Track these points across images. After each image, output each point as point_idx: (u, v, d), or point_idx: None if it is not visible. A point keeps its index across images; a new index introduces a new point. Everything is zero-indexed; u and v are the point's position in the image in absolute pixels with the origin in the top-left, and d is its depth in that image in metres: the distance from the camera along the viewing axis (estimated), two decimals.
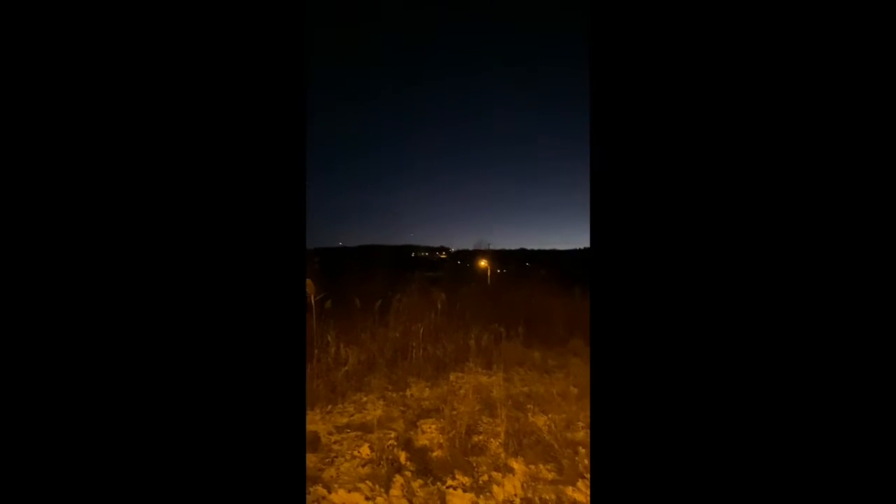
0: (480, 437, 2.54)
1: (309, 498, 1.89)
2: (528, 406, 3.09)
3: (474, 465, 2.21)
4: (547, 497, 1.94)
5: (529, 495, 1.96)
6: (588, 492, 1.99)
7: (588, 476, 2.13)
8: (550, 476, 2.13)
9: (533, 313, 6.07)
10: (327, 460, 2.23)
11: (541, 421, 2.80)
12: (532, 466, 2.21)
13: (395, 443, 2.44)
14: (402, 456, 2.28)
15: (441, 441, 2.47)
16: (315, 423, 2.73)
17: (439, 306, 5.28)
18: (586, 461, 2.28)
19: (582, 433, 2.64)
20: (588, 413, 2.98)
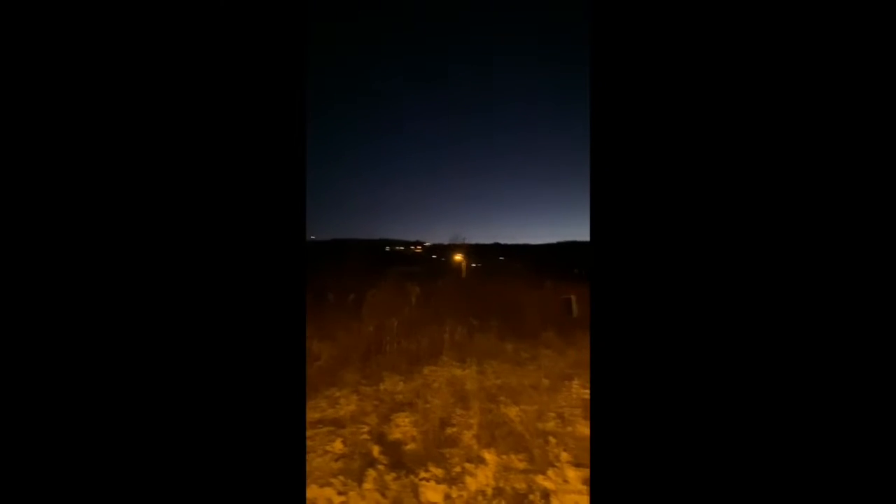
0: (454, 430, 2.57)
1: None
2: (501, 398, 3.13)
3: (447, 456, 2.24)
4: (518, 486, 1.98)
5: (501, 485, 1.99)
6: (557, 479, 2.05)
7: (557, 464, 2.19)
8: (522, 466, 2.17)
9: (506, 306, 6.14)
10: None
11: (513, 412, 2.85)
12: (504, 457, 2.25)
13: (369, 437, 2.44)
14: (376, 450, 2.28)
15: (414, 434, 2.49)
16: None
17: (414, 300, 5.28)
18: (556, 450, 2.34)
19: (552, 423, 2.70)
20: (558, 403, 3.05)
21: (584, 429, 2.65)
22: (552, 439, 2.47)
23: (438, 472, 2.08)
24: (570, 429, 2.63)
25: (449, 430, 2.55)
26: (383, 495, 1.91)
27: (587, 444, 2.42)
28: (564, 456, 2.28)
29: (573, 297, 6.11)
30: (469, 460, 2.21)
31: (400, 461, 2.19)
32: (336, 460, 2.17)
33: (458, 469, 2.12)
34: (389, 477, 2.04)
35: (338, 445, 2.32)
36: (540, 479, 2.05)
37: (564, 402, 3.09)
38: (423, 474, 2.06)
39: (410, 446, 2.36)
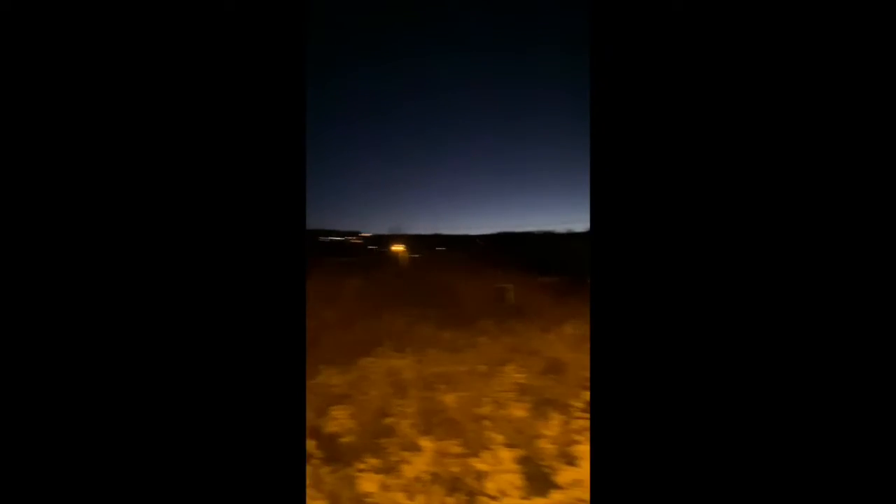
0: (391, 420, 2.57)
1: None
2: (439, 386, 3.18)
3: (384, 446, 2.24)
4: (453, 470, 2.03)
5: (437, 470, 2.03)
6: (491, 461, 2.13)
7: (492, 447, 2.27)
8: (458, 450, 2.23)
9: (445, 296, 6.22)
10: None
11: (450, 399, 2.91)
12: (440, 443, 2.30)
13: None
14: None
15: (351, 426, 2.46)
16: None
17: (351, 292, 5.19)
18: (491, 433, 2.42)
19: (488, 408, 2.79)
20: (493, 388, 3.16)
21: (517, 411, 2.76)
22: (487, 423, 2.55)
23: (376, 462, 2.08)
24: (504, 412, 2.73)
25: (386, 421, 2.56)
26: (318, 489, 1.88)
27: (520, 425, 2.53)
28: (499, 438, 2.37)
29: (508, 287, 6.32)
30: (406, 448, 2.23)
31: (336, 454, 2.17)
32: None
33: (395, 458, 2.13)
34: (325, 470, 2.01)
35: None
36: (474, 461, 2.12)
37: (499, 387, 3.20)
38: (359, 466, 2.05)
39: (347, 438, 2.33)
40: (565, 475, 2.00)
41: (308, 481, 1.91)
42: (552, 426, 2.56)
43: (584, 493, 1.85)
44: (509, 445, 2.29)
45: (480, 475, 2.00)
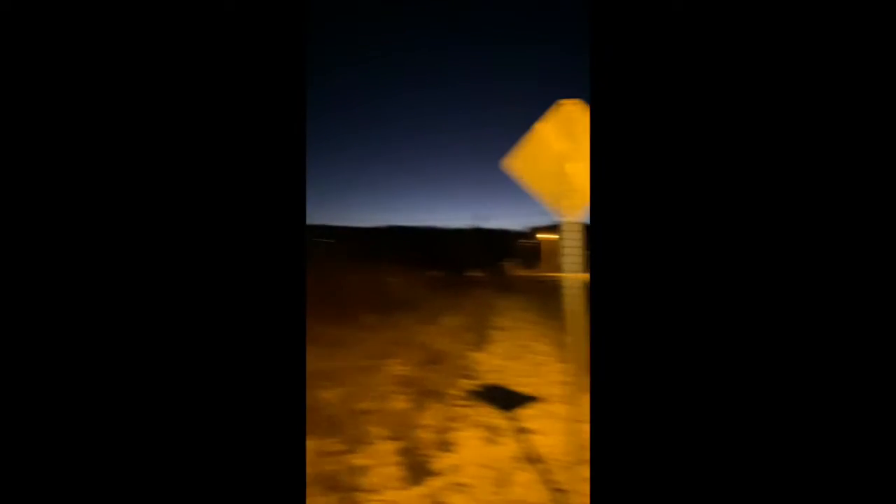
0: None
1: None
2: (321, 383, 3.07)
3: None
4: (331, 468, 1.98)
5: (314, 471, 1.96)
6: (372, 455, 2.12)
7: (375, 442, 2.27)
8: (337, 448, 2.18)
9: (328, 291, 6.02)
10: None
11: (331, 395, 2.83)
12: (319, 441, 2.22)
13: None
14: None
15: None
16: None
17: None
18: (372, 428, 2.41)
19: (369, 402, 2.78)
20: (377, 381, 3.15)
21: (398, 403, 2.80)
22: (368, 417, 2.54)
23: None
24: (385, 405, 2.75)
25: None
26: None
27: (402, 418, 2.57)
28: (381, 432, 2.37)
29: (393, 280, 6.35)
30: None
31: None
32: None
33: None
34: None
35: None
36: (351, 457, 2.09)
37: (382, 380, 3.21)
38: None
39: None
40: (443, 461, 2.09)
41: None
42: (431, 416, 2.65)
43: (461, 478, 1.95)
44: (390, 438, 2.31)
45: (360, 471, 1.98)
